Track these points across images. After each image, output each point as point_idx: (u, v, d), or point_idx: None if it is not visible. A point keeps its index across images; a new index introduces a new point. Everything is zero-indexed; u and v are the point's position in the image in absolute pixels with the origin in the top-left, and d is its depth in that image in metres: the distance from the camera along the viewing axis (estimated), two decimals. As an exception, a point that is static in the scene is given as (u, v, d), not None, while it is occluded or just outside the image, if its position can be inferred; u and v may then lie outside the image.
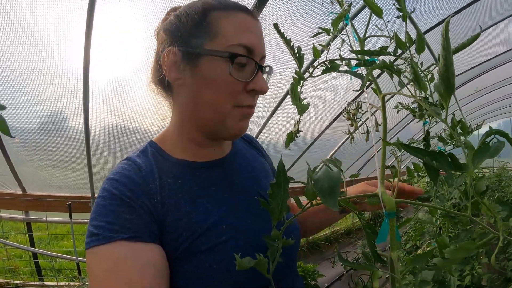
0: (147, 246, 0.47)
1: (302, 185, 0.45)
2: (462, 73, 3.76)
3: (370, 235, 0.52)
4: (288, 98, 2.58)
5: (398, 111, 0.93)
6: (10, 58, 1.64)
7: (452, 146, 0.76)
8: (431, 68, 0.64)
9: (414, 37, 0.47)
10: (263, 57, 0.57)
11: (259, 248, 0.48)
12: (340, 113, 3.31)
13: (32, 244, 2.34)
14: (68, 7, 1.51)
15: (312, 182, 0.38)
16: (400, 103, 0.92)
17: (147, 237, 0.48)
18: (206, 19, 0.53)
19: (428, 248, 1.91)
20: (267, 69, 0.61)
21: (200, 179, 0.57)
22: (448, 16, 0.31)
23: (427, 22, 2.53)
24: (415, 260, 0.40)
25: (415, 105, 0.80)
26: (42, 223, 2.42)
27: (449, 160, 0.34)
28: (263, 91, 0.55)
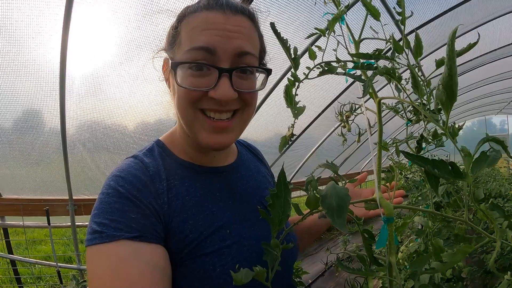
0: (151, 246, 0.46)
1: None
2: (441, 73, 3.93)
3: (367, 239, 0.52)
4: (270, 98, 2.57)
5: (382, 111, 0.93)
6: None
7: (434, 146, 0.78)
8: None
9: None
10: (243, 54, 0.50)
11: (262, 255, 0.47)
12: (321, 113, 3.33)
13: (10, 250, 2.22)
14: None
15: (315, 192, 0.38)
16: (383, 103, 0.92)
17: (152, 238, 0.47)
18: (177, 28, 0.52)
19: (411, 244, 1.97)
20: (261, 69, 0.54)
21: (205, 183, 0.57)
22: (456, 27, 0.30)
23: (408, 26, 2.61)
24: (416, 264, 0.41)
25: (399, 105, 0.81)
26: (19, 228, 2.30)
27: (450, 168, 0.34)
28: (222, 100, 0.49)
